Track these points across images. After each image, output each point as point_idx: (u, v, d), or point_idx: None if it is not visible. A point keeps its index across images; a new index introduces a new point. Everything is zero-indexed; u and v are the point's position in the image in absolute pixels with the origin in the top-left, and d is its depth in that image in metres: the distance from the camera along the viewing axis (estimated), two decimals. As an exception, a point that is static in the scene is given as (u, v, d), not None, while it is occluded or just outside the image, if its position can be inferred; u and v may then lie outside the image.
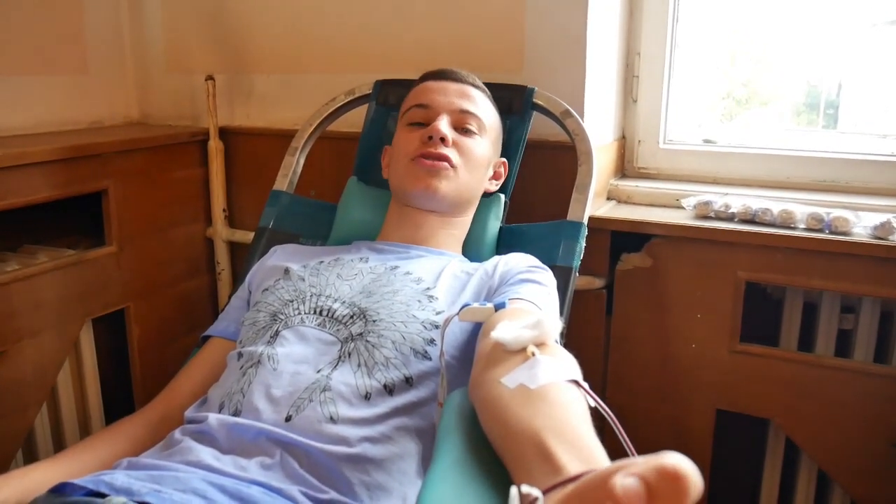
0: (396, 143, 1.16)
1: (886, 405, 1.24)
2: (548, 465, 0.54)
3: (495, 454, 0.66)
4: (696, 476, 0.35)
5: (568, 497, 0.46)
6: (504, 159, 1.24)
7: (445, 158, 1.09)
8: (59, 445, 1.44)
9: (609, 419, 0.64)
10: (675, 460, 0.35)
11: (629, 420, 1.40)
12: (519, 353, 0.72)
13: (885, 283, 1.21)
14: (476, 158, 1.13)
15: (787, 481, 1.41)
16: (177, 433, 0.88)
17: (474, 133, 1.14)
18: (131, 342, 1.58)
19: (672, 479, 0.33)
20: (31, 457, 1.38)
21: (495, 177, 1.22)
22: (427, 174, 1.09)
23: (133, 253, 1.54)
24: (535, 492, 0.48)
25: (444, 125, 1.10)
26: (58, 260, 1.37)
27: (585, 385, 0.68)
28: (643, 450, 0.59)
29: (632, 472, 0.36)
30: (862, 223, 1.23)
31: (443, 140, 1.09)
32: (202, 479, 0.76)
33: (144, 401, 1.07)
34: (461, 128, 1.13)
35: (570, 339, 1.11)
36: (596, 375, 1.43)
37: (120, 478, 0.75)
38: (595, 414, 0.65)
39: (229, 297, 1.21)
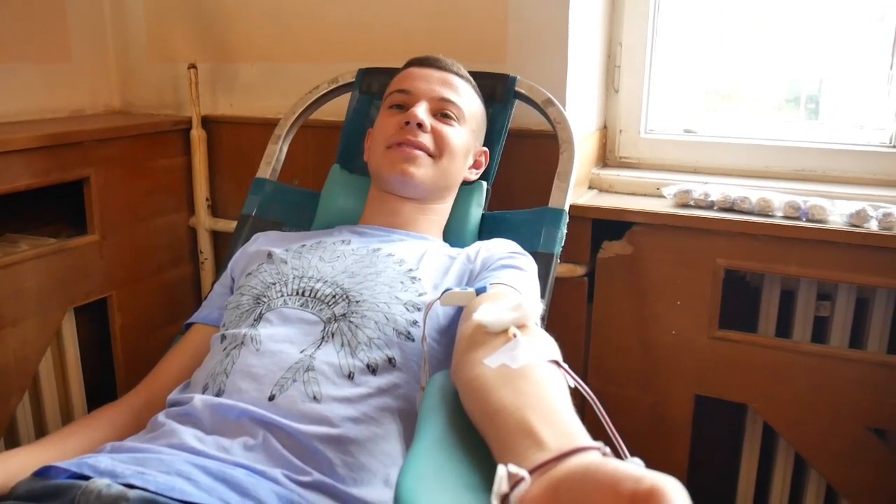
0: (376, 127, 1.17)
1: (862, 390, 1.26)
2: (529, 440, 0.56)
3: (477, 435, 0.67)
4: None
5: (558, 484, 0.48)
6: (485, 148, 1.24)
7: (420, 147, 1.10)
8: (40, 434, 1.44)
9: (589, 398, 0.65)
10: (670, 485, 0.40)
11: (609, 406, 1.38)
12: (500, 334, 0.73)
13: (861, 270, 1.23)
14: (452, 146, 1.12)
15: (764, 466, 1.43)
16: (160, 416, 0.88)
17: (453, 120, 1.14)
18: (114, 331, 1.57)
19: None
20: (12, 446, 1.37)
21: (475, 165, 1.22)
22: (402, 160, 1.09)
23: (115, 242, 1.53)
24: (522, 472, 0.49)
25: (421, 111, 1.10)
26: (39, 248, 1.37)
27: (565, 365, 0.69)
28: (623, 435, 0.61)
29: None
30: (838, 211, 1.26)
31: (420, 126, 1.09)
32: (186, 461, 0.76)
33: (127, 390, 1.07)
34: (440, 114, 1.13)
35: (552, 327, 1.11)
36: (577, 362, 1.45)
37: (104, 460, 0.75)
38: (575, 395, 0.66)
39: (212, 285, 1.21)
